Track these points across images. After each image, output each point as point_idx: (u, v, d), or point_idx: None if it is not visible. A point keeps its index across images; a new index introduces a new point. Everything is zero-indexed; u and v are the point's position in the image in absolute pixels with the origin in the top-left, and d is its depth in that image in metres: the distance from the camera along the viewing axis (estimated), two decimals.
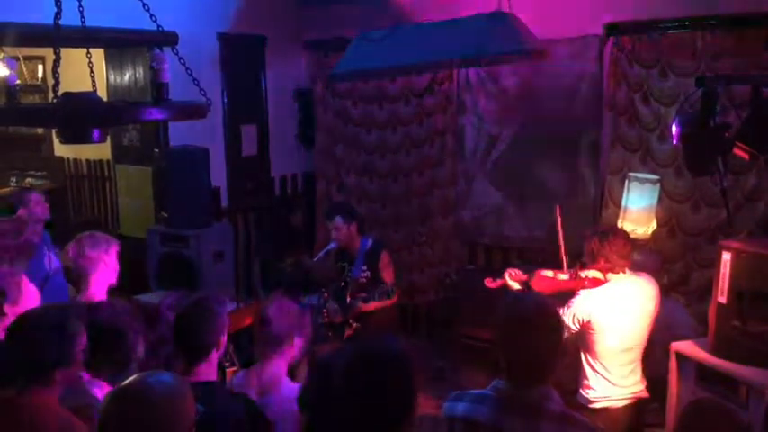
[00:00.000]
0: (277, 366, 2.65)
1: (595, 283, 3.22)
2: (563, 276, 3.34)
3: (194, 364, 2.38)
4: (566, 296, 3.29)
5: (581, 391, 3.34)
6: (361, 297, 4.19)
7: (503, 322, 2.02)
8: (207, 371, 2.40)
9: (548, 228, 4.56)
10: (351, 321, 4.27)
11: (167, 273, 4.79)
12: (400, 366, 1.70)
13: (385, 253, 4.43)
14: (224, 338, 2.47)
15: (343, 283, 4.37)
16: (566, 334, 3.15)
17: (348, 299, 4.23)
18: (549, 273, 3.39)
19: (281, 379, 2.64)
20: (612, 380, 3.26)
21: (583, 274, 3.24)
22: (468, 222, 5.64)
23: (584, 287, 3.23)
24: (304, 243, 5.87)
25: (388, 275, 4.36)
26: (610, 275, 3.23)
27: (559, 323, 2.04)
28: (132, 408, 1.67)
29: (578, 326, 3.20)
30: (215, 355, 2.43)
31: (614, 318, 3.19)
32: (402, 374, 1.69)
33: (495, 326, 2.03)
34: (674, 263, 4.54)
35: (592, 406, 3.28)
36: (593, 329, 3.20)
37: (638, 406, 3.35)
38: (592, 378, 3.28)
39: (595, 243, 3.22)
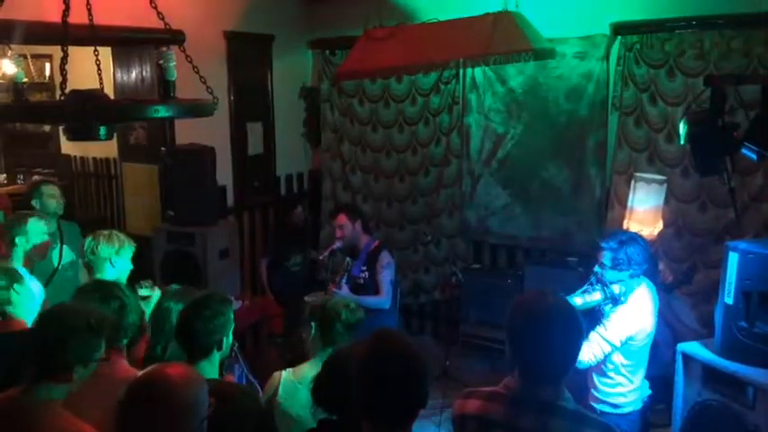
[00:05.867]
0: None
1: (626, 294, 3.19)
2: (598, 297, 3.22)
3: (195, 362, 2.38)
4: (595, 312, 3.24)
5: (604, 398, 3.31)
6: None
7: (516, 320, 1.96)
8: (208, 369, 2.39)
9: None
10: None
11: (173, 270, 4.80)
12: (415, 360, 1.76)
13: (385, 254, 4.39)
14: (227, 339, 2.46)
15: (343, 276, 4.34)
16: (605, 350, 3.14)
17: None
18: (579, 299, 3.23)
19: None
20: (638, 383, 3.28)
21: (616, 291, 3.17)
22: (474, 222, 5.64)
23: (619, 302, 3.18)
24: (307, 241, 5.86)
25: (382, 277, 4.30)
26: (633, 281, 3.19)
27: (578, 324, 1.95)
28: (151, 396, 1.70)
29: (621, 342, 3.16)
30: (217, 355, 2.42)
31: (651, 323, 3.21)
32: (416, 368, 1.75)
33: (508, 324, 1.97)
34: (681, 263, 4.53)
35: (620, 411, 3.27)
36: (634, 339, 3.17)
37: (647, 405, 3.37)
38: (622, 384, 3.26)
39: (627, 251, 3.14)
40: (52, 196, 4.31)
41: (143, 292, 3.27)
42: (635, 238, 3.25)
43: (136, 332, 2.66)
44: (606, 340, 3.14)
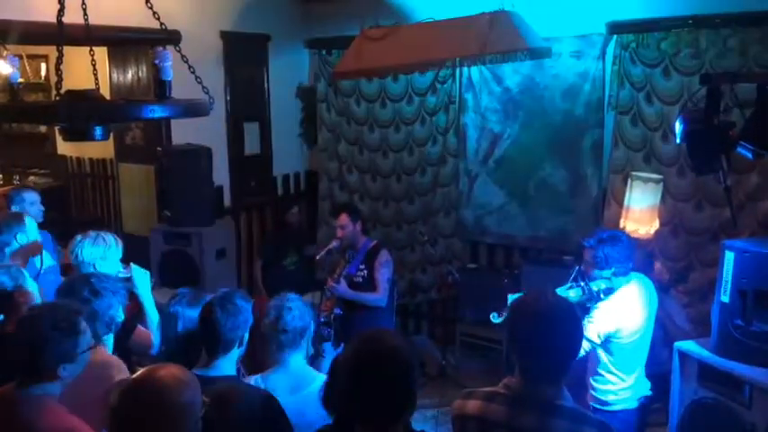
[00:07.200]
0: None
1: (608, 292, 3.18)
2: (575, 294, 3.22)
3: (214, 358, 2.39)
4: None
5: (596, 395, 3.32)
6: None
7: (517, 319, 1.97)
8: (226, 366, 2.41)
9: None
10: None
11: (170, 271, 4.80)
12: (400, 361, 1.73)
13: (384, 252, 4.40)
14: (246, 335, 2.47)
15: (344, 269, 4.33)
16: (586, 347, 3.12)
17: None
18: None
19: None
20: (631, 382, 3.26)
21: (595, 288, 3.16)
22: (471, 221, 5.64)
23: (599, 299, 3.18)
24: (303, 240, 5.86)
25: (380, 274, 4.31)
26: (619, 279, 3.18)
27: (577, 322, 1.97)
28: (144, 399, 1.70)
29: (602, 339, 3.15)
30: (236, 352, 2.44)
31: (636, 322, 3.18)
32: (403, 369, 1.72)
33: (508, 324, 1.98)
34: (677, 262, 4.54)
35: (609, 408, 3.27)
36: (617, 337, 3.16)
37: (645, 405, 3.35)
38: (612, 382, 3.26)
39: (605, 250, 3.12)
40: (34, 203, 4.25)
41: (120, 275, 3.23)
42: (617, 236, 3.21)
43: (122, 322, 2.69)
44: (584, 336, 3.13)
